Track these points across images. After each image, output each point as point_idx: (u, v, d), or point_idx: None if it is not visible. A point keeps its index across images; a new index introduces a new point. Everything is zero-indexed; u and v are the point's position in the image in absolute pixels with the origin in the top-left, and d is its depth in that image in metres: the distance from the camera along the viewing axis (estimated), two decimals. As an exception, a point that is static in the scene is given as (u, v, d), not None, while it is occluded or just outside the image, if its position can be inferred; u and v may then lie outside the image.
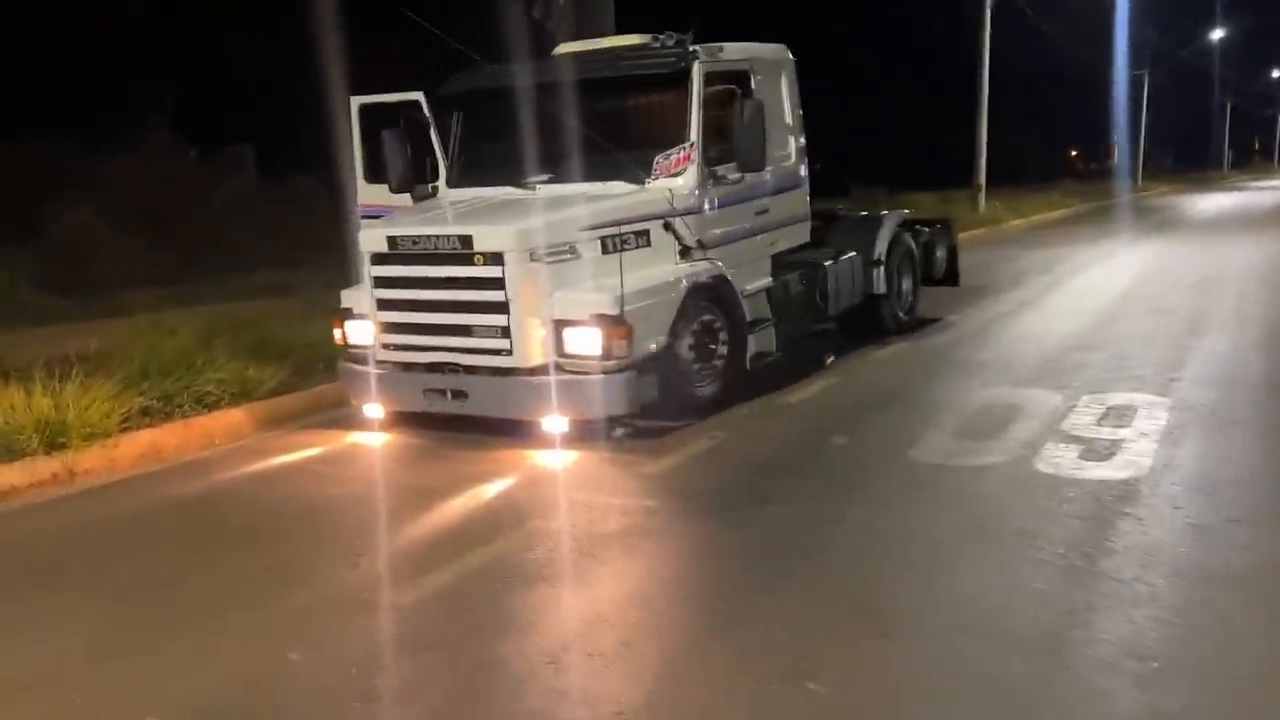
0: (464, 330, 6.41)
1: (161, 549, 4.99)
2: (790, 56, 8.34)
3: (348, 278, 7.57)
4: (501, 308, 6.26)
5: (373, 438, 6.82)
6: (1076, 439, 6.02)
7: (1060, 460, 5.62)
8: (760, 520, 4.98)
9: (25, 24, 18.35)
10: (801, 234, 8.52)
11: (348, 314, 7.01)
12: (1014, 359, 8.44)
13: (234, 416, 7.13)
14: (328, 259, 11.91)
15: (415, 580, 4.33)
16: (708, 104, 7.05)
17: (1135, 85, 44.10)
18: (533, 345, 6.29)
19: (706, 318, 6.94)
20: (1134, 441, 5.91)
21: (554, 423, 6.30)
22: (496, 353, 6.34)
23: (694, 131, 6.98)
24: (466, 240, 6.30)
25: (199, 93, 20.14)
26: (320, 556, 4.70)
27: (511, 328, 6.26)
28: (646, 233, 6.78)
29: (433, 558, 4.60)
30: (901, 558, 4.42)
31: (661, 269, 6.78)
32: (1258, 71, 63.22)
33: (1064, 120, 54.19)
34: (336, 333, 7.11)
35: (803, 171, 8.46)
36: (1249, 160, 78.37)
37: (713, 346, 7.02)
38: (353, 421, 7.09)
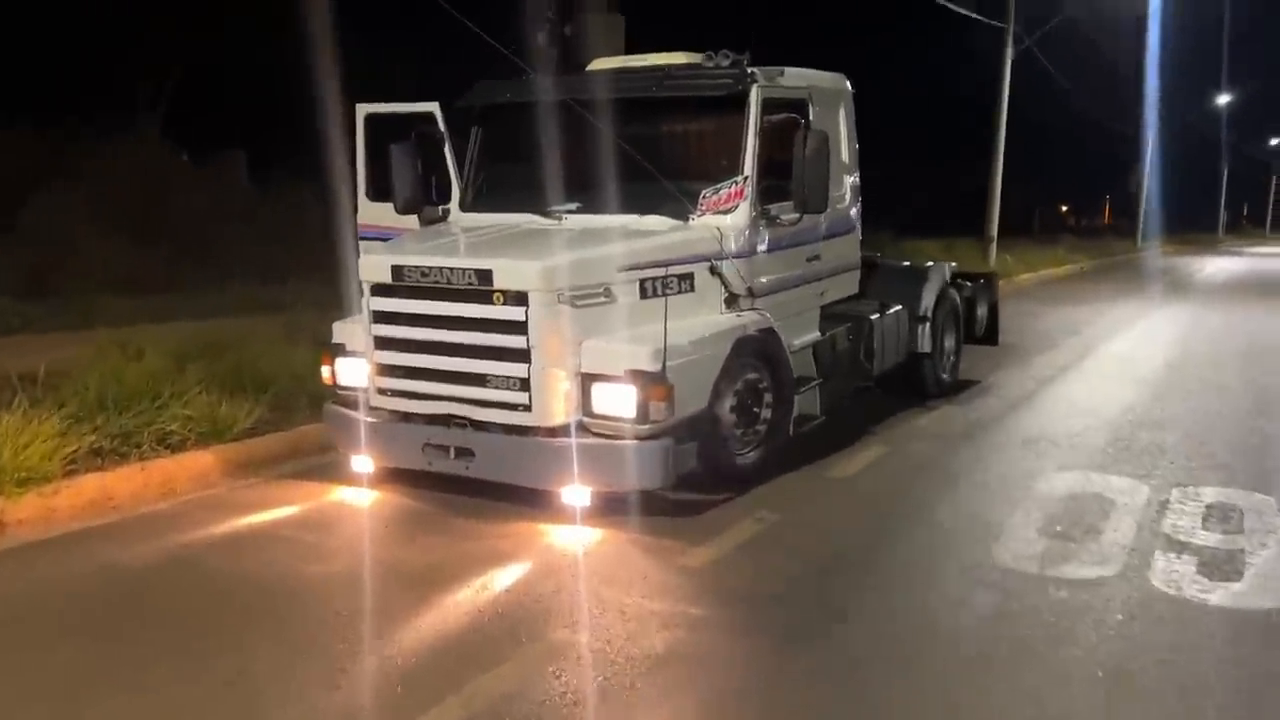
0: (475, 379, 5.49)
1: (96, 640, 4.01)
2: (849, 87, 7.53)
3: (339, 298, 6.68)
4: (522, 355, 5.35)
5: (360, 496, 5.87)
6: (1186, 546, 5.15)
7: (1179, 577, 4.74)
8: (839, 644, 4.05)
9: (13, 14, 17.41)
10: (851, 284, 7.68)
11: (339, 350, 6.08)
12: (1076, 435, 7.57)
13: (201, 460, 6.18)
14: (318, 275, 10.98)
15: (412, 718, 3.37)
16: (764, 134, 6.21)
17: (1134, 144, 43.44)
18: (555, 401, 5.38)
19: (751, 376, 6.05)
20: (1256, 553, 5.06)
21: (575, 494, 5.38)
22: (512, 407, 5.42)
23: (749, 164, 6.12)
24: (485, 275, 5.39)
25: (191, 94, 19.27)
26: (293, 668, 3.74)
27: (532, 379, 5.35)
28: (690, 276, 5.91)
29: (434, 678, 3.65)
30: (1036, 714, 3.51)
31: (705, 319, 5.91)
32: (1249, 137, 63.34)
33: (1063, 174, 53.90)
34: (325, 370, 6.18)
35: (854, 214, 7.63)
36: (1239, 225, 78.49)
37: (756, 409, 6.13)
38: (338, 473, 6.14)
